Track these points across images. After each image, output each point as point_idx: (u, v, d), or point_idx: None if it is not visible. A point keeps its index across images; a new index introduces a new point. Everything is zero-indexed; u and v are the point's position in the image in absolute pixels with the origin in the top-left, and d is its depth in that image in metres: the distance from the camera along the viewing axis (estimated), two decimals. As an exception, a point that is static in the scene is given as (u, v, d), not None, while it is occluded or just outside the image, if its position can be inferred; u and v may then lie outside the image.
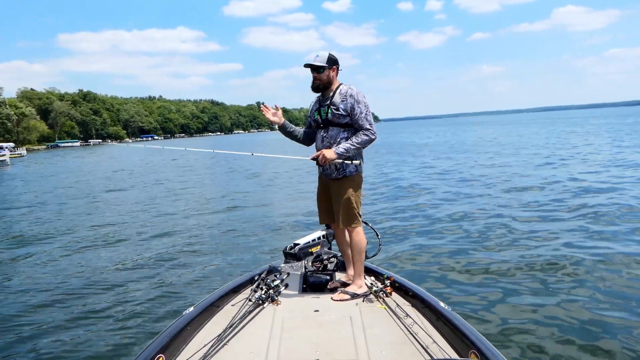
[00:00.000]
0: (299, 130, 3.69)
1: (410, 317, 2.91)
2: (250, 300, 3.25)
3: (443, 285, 5.21)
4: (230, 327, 2.82)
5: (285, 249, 4.09)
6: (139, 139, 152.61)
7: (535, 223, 8.01)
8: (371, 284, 3.46)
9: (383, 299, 3.22)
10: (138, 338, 4.23)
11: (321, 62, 3.37)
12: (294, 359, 2.50)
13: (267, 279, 3.54)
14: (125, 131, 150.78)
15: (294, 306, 3.23)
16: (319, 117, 3.48)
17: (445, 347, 2.57)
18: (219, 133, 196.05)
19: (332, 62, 3.41)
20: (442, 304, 2.95)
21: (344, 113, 3.33)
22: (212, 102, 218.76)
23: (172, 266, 6.52)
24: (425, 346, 2.51)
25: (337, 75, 3.48)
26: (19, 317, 4.89)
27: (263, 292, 3.31)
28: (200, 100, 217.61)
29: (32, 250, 7.95)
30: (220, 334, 2.72)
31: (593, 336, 3.89)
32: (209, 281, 5.68)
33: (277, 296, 3.29)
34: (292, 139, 3.71)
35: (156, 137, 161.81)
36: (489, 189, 12.20)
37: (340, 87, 3.43)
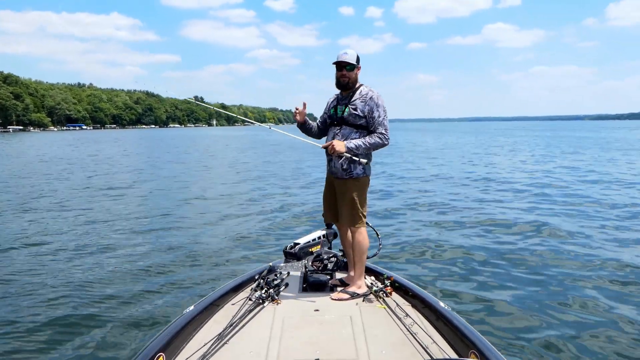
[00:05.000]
0: (314, 125, 3.67)
1: (410, 317, 2.94)
2: (250, 299, 3.21)
3: (443, 285, 5.28)
4: (230, 326, 2.79)
5: (286, 249, 4.05)
6: (65, 128, 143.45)
7: (535, 223, 8.27)
8: (371, 283, 3.48)
9: (383, 299, 3.24)
10: (138, 337, 4.11)
11: (351, 59, 3.35)
12: (294, 358, 2.48)
13: (268, 278, 3.49)
14: (50, 119, 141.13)
15: (294, 306, 3.20)
16: (334, 114, 3.47)
17: (445, 347, 2.61)
18: (153, 126, 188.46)
19: (359, 60, 3.40)
20: (442, 304, 3.00)
21: (361, 114, 3.32)
22: (147, 94, 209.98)
23: (172, 265, 6.34)
24: (425, 346, 2.54)
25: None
26: (17, 318, 4.67)
27: (263, 291, 3.27)
28: (135, 90, 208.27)
29: (28, 251, 7.40)
30: (220, 333, 2.69)
31: (593, 336, 4.01)
32: (209, 280, 5.57)
33: (277, 295, 3.26)
34: (307, 134, 3.70)
35: (84, 127, 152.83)
36: (487, 190, 12.64)
37: (361, 87, 3.41)
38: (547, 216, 8.92)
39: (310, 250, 4.05)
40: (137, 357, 2.39)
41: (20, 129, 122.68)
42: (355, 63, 3.35)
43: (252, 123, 4.62)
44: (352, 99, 3.37)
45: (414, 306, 3.18)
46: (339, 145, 3.25)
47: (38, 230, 8.69)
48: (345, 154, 3.26)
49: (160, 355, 2.39)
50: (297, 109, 3.58)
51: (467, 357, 2.42)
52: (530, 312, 4.52)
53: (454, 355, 2.53)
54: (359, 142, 3.28)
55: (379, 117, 3.30)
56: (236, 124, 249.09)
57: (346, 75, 3.35)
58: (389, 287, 3.35)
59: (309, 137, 3.73)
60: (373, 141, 3.29)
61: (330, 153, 3.30)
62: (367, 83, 3.45)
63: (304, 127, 3.66)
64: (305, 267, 3.80)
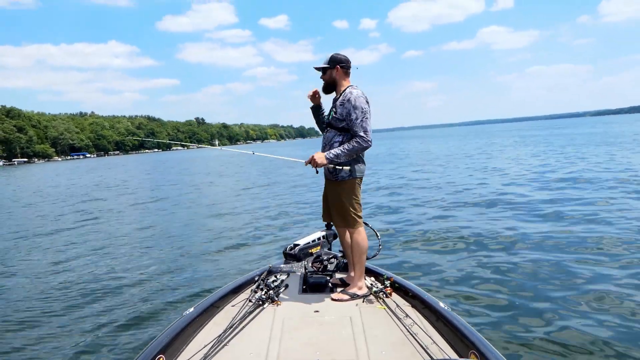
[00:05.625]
0: (325, 115, 3.67)
1: (410, 317, 2.93)
2: (250, 300, 3.21)
3: (443, 285, 5.26)
4: (230, 328, 2.79)
5: (285, 250, 4.04)
6: (69, 157, 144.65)
7: (535, 224, 8.24)
8: (371, 284, 3.47)
9: (383, 300, 3.23)
10: (138, 338, 4.12)
11: (322, 63, 3.41)
12: (294, 359, 2.48)
13: (267, 279, 3.50)
14: (54, 149, 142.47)
15: (294, 307, 3.20)
16: (327, 118, 3.50)
17: (445, 348, 2.60)
18: (156, 150, 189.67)
19: (335, 61, 3.39)
20: (442, 305, 2.98)
21: (340, 117, 3.31)
22: (149, 118, 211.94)
23: (172, 267, 6.41)
24: (425, 346, 2.53)
25: (345, 75, 3.44)
26: (19, 319, 4.76)
27: (263, 292, 3.28)
28: (136, 116, 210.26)
29: (30, 252, 7.64)
30: (220, 335, 2.69)
31: (594, 335, 3.96)
32: (209, 282, 5.60)
33: (277, 297, 3.26)
34: (316, 120, 3.74)
35: (88, 155, 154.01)
36: (486, 190, 12.65)
37: (347, 89, 3.38)
38: (547, 216, 8.86)
39: (310, 251, 4.03)
40: (137, 359, 2.40)
41: (25, 161, 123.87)
42: (326, 65, 3.39)
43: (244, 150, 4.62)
44: (336, 102, 3.39)
45: (414, 307, 3.17)
46: (320, 158, 3.26)
47: (41, 239, 8.85)
48: (328, 165, 3.28)
49: (160, 357, 2.40)
50: (314, 92, 3.59)
51: (467, 357, 2.41)
52: (530, 312, 4.49)
53: (454, 355, 2.51)
54: (337, 151, 3.26)
55: (356, 119, 3.23)
56: (238, 142, 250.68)
57: (322, 78, 3.46)
58: (389, 288, 3.34)
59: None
60: (351, 147, 3.25)
61: (314, 166, 3.31)
62: (365, 93, 3.39)
63: (317, 112, 3.68)
64: (305, 268, 3.79)
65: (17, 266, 7.19)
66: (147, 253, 7.29)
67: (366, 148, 3.29)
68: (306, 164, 3.35)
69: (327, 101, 3.66)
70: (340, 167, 3.28)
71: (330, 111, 3.48)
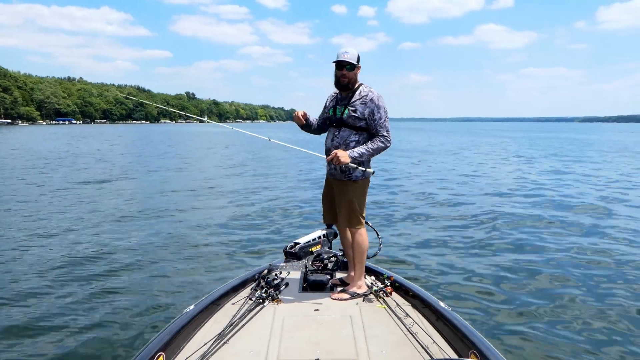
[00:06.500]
0: (314, 123, 3.60)
1: (410, 317, 2.94)
2: (250, 299, 3.21)
3: (443, 285, 5.29)
4: (230, 326, 2.78)
5: (286, 248, 4.02)
6: (54, 122, 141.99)
7: (535, 224, 8.34)
8: (371, 283, 3.48)
9: (383, 299, 3.24)
10: (138, 336, 4.08)
11: (352, 59, 3.25)
12: (294, 358, 2.48)
13: (268, 277, 3.48)
14: (39, 112, 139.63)
15: (294, 305, 3.20)
16: (333, 115, 3.40)
17: (445, 347, 2.61)
18: (144, 121, 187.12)
19: (359, 60, 3.31)
20: (442, 304, 2.99)
21: (360, 117, 3.24)
22: (138, 89, 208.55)
23: (173, 264, 6.32)
24: (425, 346, 2.55)
25: None
26: (15, 316, 4.65)
27: (263, 291, 3.27)
28: (126, 85, 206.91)
29: (30, 248, 7.39)
30: (220, 333, 2.69)
31: (593, 336, 4.03)
32: (209, 280, 5.56)
33: (277, 295, 3.25)
34: (307, 131, 3.66)
35: (74, 121, 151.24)
36: (486, 191, 12.71)
37: (361, 87, 3.31)
38: (546, 217, 8.98)
39: (310, 250, 4.03)
40: (137, 357, 2.38)
41: (8, 123, 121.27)
42: (355, 63, 3.27)
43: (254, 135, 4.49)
44: (352, 100, 3.28)
45: (414, 306, 3.18)
46: (343, 156, 3.15)
47: (33, 228, 8.62)
48: (350, 164, 3.19)
49: (160, 354, 2.38)
50: (297, 116, 3.55)
51: (467, 357, 2.42)
52: (530, 312, 4.55)
53: (454, 355, 2.53)
54: (362, 149, 3.20)
55: (380, 119, 3.22)
56: (227, 120, 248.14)
57: (346, 75, 3.26)
58: (389, 287, 3.35)
59: (314, 135, 3.68)
60: (376, 146, 3.22)
61: (335, 164, 3.21)
62: (363, 82, 3.35)
63: (306, 126, 3.61)
64: (306, 267, 3.80)
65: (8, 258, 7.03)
66: (143, 250, 7.15)
67: (387, 148, 3.28)
68: (328, 161, 3.26)
69: (321, 99, 3.61)
70: (356, 166, 3.22)
71: (337, 108, 3.37)
